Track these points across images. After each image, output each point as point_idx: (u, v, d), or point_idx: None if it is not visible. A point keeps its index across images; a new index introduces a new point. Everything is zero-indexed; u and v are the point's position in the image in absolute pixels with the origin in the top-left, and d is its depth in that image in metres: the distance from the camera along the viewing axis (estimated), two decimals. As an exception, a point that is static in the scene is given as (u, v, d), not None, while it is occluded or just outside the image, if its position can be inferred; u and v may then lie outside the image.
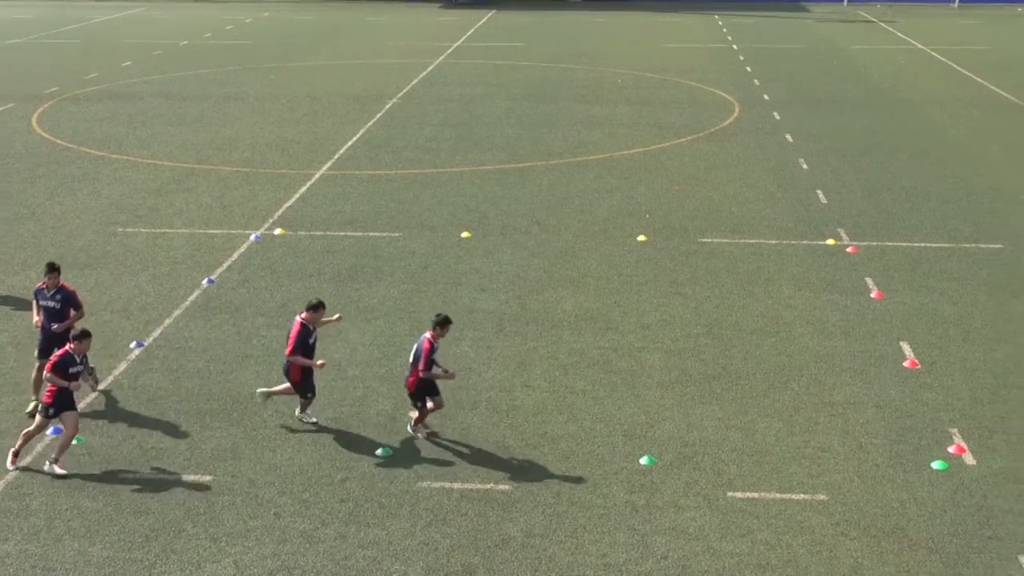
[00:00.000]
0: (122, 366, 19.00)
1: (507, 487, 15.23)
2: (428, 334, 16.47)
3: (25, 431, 15.83)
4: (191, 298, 22.06)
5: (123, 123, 37.77)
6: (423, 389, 16.47)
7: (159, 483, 15.33)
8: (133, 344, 19.81)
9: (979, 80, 46.49)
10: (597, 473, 15.57)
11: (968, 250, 24.78)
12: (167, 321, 20.91)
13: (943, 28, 64.93)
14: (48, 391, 15.65)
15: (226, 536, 14.12)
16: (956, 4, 77.68)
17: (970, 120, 38.58)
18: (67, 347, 15.85)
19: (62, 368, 15.61)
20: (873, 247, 24.78)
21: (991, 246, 25.10)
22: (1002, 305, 21.60)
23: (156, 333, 20.37)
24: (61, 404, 15.58)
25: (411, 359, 16.51)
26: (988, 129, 37.14)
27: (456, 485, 15.27)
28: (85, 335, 15.90)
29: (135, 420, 17.09)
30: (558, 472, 15.60)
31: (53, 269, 17.53)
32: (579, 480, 15.39)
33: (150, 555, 13.74)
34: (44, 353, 16.98)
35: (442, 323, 16.53)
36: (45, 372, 15.70)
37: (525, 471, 15.63)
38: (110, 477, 15.49)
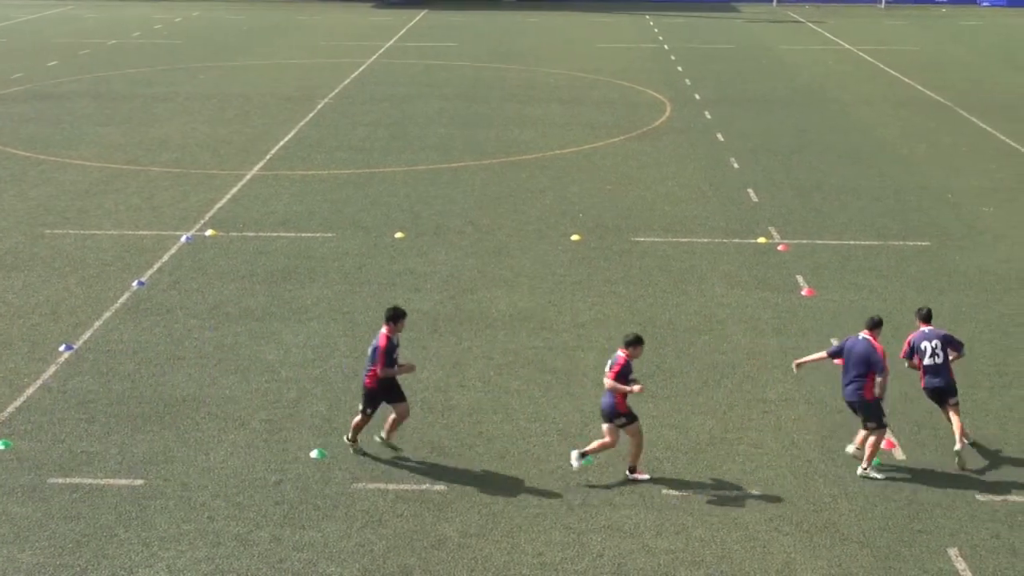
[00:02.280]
0: (51, 369, 18.73)
1: (443, 487, 15.21)
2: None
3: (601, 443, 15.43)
4: (121, 300, 21.80)
5: (50, 123, 37.25)
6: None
7: (90, 488, 15.13)
8: (62, 347, 19.54)
9: (906, 80, 47.17)
10: (532, 472, 15.60)
11: (896, 247, 25.13)
12: (97, 324, 20.65)
13: (870, 29, 65.80)
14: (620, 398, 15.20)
15: (159, 540, 13.97)
16: (883, 5, 78.75)
17: (898, 119, 39.13)
18: (625, 354, 15.24)
19: (623, 376, 15.16)
20: (803, 245, 25.05)
21: (919, 243, 25.47)
22: (929, 301, 21.84)
23: (86, 336, 20.11)
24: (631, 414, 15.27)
25: None
26: (915, 128, 37.69)
27: (391, 486, 15.22)
28: (639, 340, 15.35)
29: (64, 424, 16.86)
30: (494, 472, 15.61)
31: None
32: (515, 480, 15.41)
33: (81, 561, 13.56)
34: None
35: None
36: (608, 380, 15.10)
37: (461, 471, 15.62)
38: (39, 482, 15.26)
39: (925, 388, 16.11)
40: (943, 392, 15.93)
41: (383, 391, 15.80)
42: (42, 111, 39.21)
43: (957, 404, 15.91)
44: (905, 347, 16.16)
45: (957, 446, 15.71)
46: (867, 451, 15.49)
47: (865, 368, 15.35)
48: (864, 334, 15.59)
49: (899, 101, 42.56)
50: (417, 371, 18.58)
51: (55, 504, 14.74)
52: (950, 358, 16.00)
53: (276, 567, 13.45)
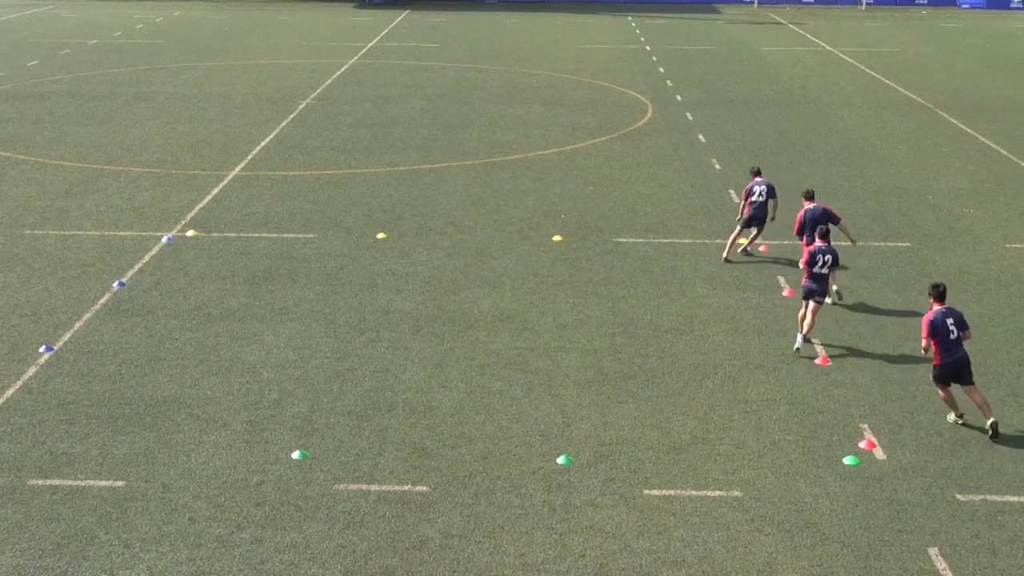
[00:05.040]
0: (31, 371, 18.66)
1: (425, 488, 15.20)
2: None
3: None
4: (101, 301, 21.72)
5: (30, 123, 37.09)
6: None
7: (70, 489, 15.08)
8: (42, 348, 19.46)
9: (887, 81, 47.35)
10: (515, 473, 15.61)
11: (877, 248, 25.22)
12: (77, 324, 20.58)
13: (851, 30, 66.02)
14: None
15: (140, 542, 13.93)
16: (863, 6, 79.03)
17: (878, 121, 39.27)
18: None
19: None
20: (784, 246, 25.10)
21: (899, 244, 25.58)
22: (910, 303, 22.00)
23: (66, 337, 20.03)
24: None
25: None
26: (895, 130, 37.83)
27: (373, 487, 15.21)
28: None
29: (45, 425, 16.79)
30: (476, 473, 15.61)
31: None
32: (497, 480, 15.41)
33: (61, 563, 13.51)
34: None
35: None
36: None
37: (443, 472, 15.61)
38: (19, 484, 15.20)
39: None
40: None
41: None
42: (22, 111, 39.05)
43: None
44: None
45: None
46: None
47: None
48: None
49: (879, 102, 42.72)
50: (398, 372, 18.62)
51: (35, 506, 14.69)
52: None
53: (258, 568, 13.43)
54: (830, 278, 20.09)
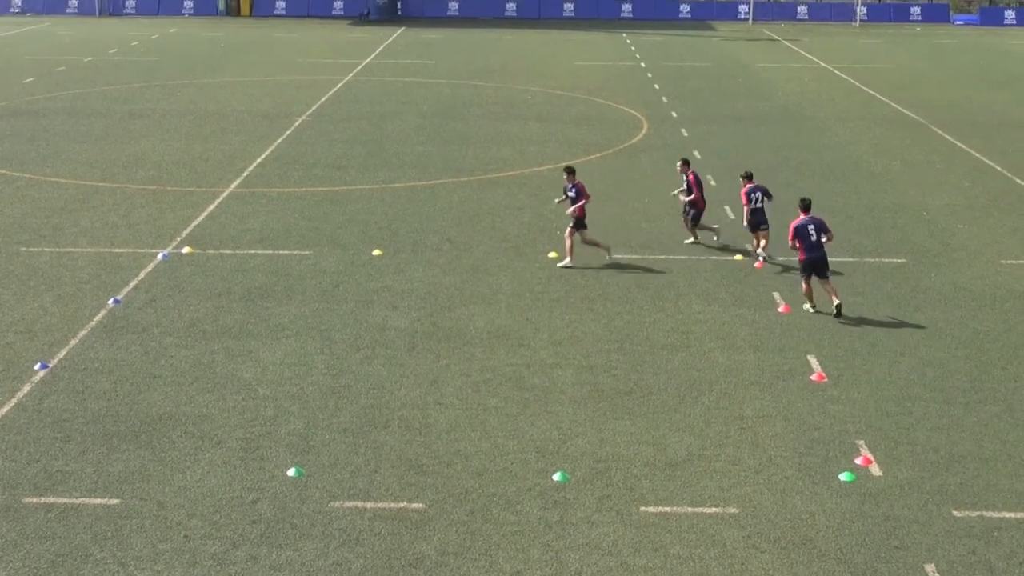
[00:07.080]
0: (26, 388, 18.62)
1: (420, 506, 15.17)
2: None
3: None
4: (97, 318, 21.70)
5: (25, 140, 37.11)
6: None
7: (65, 507, 15.04)
8: (37, 366, 19.43)
9: (881, 98, 47.47)
10: (510, 490, 15.58)
11: (872, 264, 25.25)
12: (72, 342, 20.55)
13: (845, 47, 66.24)
14: None
15: (135, 560, 13.89)
16: (857, 23, 79.29)
17: (872, 137, 39.37)
18: None
19: None
20: (779, 262, 25.14)
21: (894, 260, 25.61)
22: (905, 318, 22.03)
23: (61, 354, 20.01)
24: None
25: None
26: (890, 146, 37.92)
27: (369, 504, 15.18)
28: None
29: (40, 443, 16.76)
30: (472, 490, 15.58)
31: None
32: (493, 497, 15.38)
33: (56, 581, 13.48)
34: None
35: None
36: None
37: (438, 489, 15.59)
38: (14, 502, 15.16)
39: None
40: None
41: None
42: (17, 128, 39.08)
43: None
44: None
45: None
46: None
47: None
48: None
49: (874, 119, 42.83)
50: (394, 389, 18.60)
51: (30, 524, 14.65)
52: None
53: (253, 586, 13.39)
54: (759, 240, 24.95)
